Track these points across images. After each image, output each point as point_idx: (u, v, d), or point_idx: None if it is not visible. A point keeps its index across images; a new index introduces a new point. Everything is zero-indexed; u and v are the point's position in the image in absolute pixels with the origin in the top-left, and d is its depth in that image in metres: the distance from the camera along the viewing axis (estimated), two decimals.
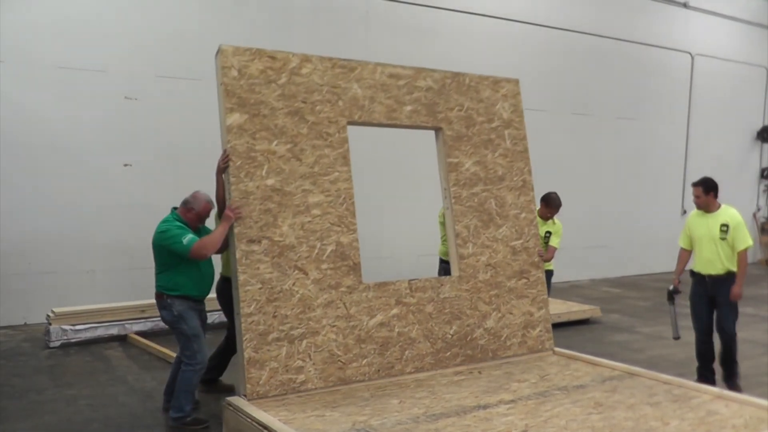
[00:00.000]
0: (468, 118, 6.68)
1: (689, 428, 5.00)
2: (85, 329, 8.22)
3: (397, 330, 6.04)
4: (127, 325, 8.50)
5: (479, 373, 6.29)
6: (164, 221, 5.55)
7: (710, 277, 6.77)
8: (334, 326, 5.70)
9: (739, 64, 17.10)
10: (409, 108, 6.32)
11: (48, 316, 8.21)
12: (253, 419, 4.86)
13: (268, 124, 5.60)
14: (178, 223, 5.51)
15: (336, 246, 5.79)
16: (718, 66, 16.69)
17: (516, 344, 6.79)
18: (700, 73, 16.31)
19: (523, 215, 6.95)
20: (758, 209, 18.32)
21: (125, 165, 9.65)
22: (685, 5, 15.80)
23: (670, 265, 14.30)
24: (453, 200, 6.52)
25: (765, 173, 18.26)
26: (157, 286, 5.59)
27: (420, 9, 11.97)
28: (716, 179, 6.71)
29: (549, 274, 7.70)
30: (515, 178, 6.93)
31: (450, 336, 6.36)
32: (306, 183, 5.70)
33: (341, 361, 5.72)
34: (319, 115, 5.85)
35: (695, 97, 16.29)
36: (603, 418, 5.14)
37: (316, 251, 5.69)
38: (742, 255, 6.61)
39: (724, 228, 6.60)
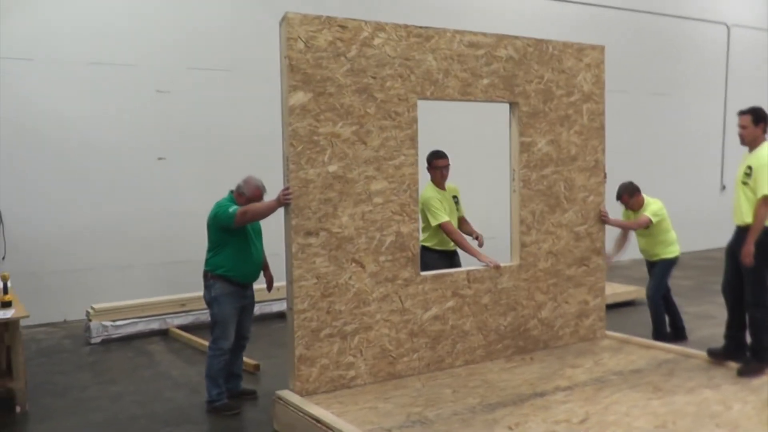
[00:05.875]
0: (546, 91, 6.34)
1: (753, 412, 4.86)
2: (125, 325, 8.16)
3: (450, 323, 5.89)
4: (167, 319, 8.44)
5: (531, 359, 6.14)
6: (218, 202, 5.67)
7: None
8: (387, 321, 5.55)
9: None
10: (485, 81, 5.97)
11: (87, 312, 8.17)
12: (306, 413, 4.76)
13: (334, 103, 5.23)
14: (230, 203, 5.61)
15: (396, 236, 5.55)
16: (756, 36, 16.19)
17: (568, 334, 6.63)
18: (736, 45, 15.85)
19: (591, 198, 6.67)
20: None
21: (159, 158, 9.59)
22: None
23: (711, 242, 14.18)
24: (521, 183, 6.24)
25: None
26: (205, 265, 5.70)
27: None
28: None
29: (665, 263, 7.37)
30: (588, 158, 6.63)
31: (503, 328, 6.21)
32: (370, 169, 5.40)
33: (392, 356, 5.61)
34: (389, 92, 5.47)
35: (732, 69, 15.83)
36: (664, 404, 4.99)
37: (375, 242, 5.46)
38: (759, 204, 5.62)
39: (748, 171, 5.74)
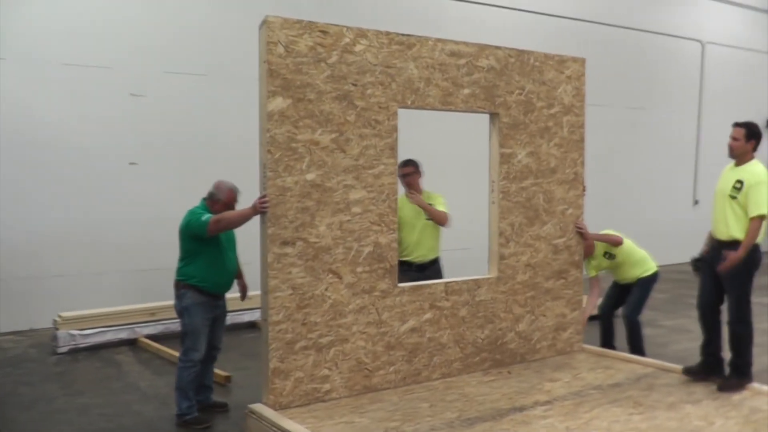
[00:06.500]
0: (527, 102, 6.27)
1: (735, 428, 4.82)
2: (93, 334, 7.93)
3: (428, 335, 5.80)
4: (137, 329, 8.23)
5: (508, 372, 6.06)
6: (191, 210, 5.52)
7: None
8: (364, 333, 5.44)
9: (752, 51, 16.73)
10: (466, 91, 5.89)
11: (55, 320, 7.95)
12: (279, 428, 4.64)
13: (314, 110, 5.11)
14: (203, 211, 5.47)
15: (374, 247, 5.45)
16: (730, 54, 16.35)
17: (545, 347, 6.57)
18: (711, 62, 16.01)
19: (569, 211, 6.63)
20: None
21: (131, 163, 9.39)
22: None
23: (683, 255, 14.23)
24: (500, 195, 6.17)
25: None
26: (176, 274, 5.57)
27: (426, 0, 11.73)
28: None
29: (645, 281, 7.09)
30: (567, 170, 6.59)
31: (481, 341, 6.13)
32: (348, 178, 5.29)
33: (368, 369, 5.49)
34: (370, 99, 5.37)
35: (706, 85, 15.98)
36: (645, 419, 4.94)
37: (353, 253, 5.35)
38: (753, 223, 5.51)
39: (738, 185, 5.59)
